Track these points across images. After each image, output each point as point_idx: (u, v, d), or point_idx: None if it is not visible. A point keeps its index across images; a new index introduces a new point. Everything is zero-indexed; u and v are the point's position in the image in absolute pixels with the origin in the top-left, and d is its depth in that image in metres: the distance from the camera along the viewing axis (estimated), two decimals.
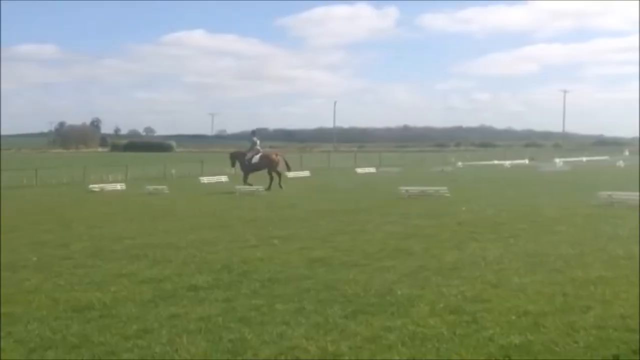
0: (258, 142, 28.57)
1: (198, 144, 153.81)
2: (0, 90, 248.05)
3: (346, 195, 22.95)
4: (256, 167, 27.51)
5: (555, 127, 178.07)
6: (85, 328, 6.53)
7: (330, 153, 70.11)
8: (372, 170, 45.14)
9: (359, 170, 44.03)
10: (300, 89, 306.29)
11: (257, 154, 27.67)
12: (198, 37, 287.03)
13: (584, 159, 64.64)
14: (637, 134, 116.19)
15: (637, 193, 17.66)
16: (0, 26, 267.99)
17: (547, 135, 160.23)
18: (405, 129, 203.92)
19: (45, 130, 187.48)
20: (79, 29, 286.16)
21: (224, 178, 35.58)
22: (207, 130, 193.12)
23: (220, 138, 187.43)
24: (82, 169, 37.90)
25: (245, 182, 26.93)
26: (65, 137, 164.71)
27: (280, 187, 26.27)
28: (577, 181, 28.55)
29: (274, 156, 27.60)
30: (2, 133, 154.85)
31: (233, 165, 28.83)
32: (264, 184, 25.92)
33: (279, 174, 27.22)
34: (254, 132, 29.91)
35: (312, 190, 26.56)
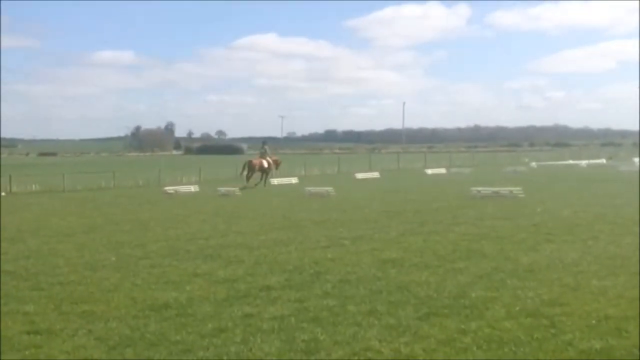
0: (267, 149, 35.41)
1: (268, 146, 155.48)
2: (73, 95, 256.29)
3: (416, 196, 22.74)
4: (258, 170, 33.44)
5: (633, 125, 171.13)
6: (163, 326, 6.68)
7: (399, 154, 69.62)
8: (442, 170, 44.54)
9: (429, 171, 43.52)
10: (369, 90, 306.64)
11: (264, 158, 34.08)
12: (269, 40, 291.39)
13: None
14: None
15: None
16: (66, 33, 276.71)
17: (625, 134, 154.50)
18: (476, 128, 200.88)
19: (122, 134, 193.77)
20: (154, 35, 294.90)
21: (294, 180, 35.85)
22: (277, 133, 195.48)
23: (290, 140, 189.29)
24: (157, 171, 38.93)
25: (247, 180, 32.38)
26: (141, 140, 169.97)
27: (264, 185, 32.45)
28: None
29: (254, 161, 33.84)
30: (83, 137, 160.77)
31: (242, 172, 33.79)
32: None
33: (265, 174, 33.42)
34: (264, 142, 37.69)
35: (382, 191, 26.44)
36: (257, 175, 32.81)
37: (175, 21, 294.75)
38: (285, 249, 11.49)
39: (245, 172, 32.80)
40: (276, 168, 35.53)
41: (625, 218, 14.24)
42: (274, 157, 35.88)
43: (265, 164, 33.70)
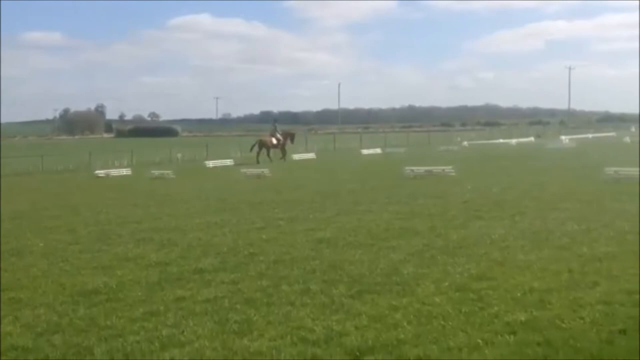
0: (277, 127, 38.14)
1: (203, 128, 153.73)
2: (0, 78, 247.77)
3: (351, 176, 22.93)
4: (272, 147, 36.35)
5: (560, 104, 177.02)
6: (92, 312, 6.56)
7: (335, 135, 69.93)
8: (378, 151, 45.05)
9: (365, 151, 43.94)
10: (305, 71, 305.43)
11: (273, 136, 36.72)
12: (204, 21, 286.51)
13: (590, 135, 64.42)
14: None
15: None
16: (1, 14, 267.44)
17: (552, 113, 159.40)
18: (411, 109, 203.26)
19: (51, 117, 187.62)
20: (84, 15, 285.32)
21: (229, 162, 35.61)
22: (212, 115, 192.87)
23: (226, 122, 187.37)
24: (88, 155, 37.94)
25: (257, 157, 34.72)
26: (70, 123, 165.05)
27: (284, 160, 35.08)
28: (583, 158, 28.45)
29: (264, 139, 36.56)
30: (7, 120, 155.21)
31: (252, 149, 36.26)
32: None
33: (281, 150, 36.22)
34: (275, 120, 42.80)
35: (318, 172, 26.56)
36: (272, 152, 35.99)
37: (107, 1, 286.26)
38: (219, 231, 11.41)
39: (257, 149, 35.39)
40: (291, 142, 38.00)
41: (550, 194, 14.74)
42: (288, 131, 39.29)
43: (275, 141, 36.38)
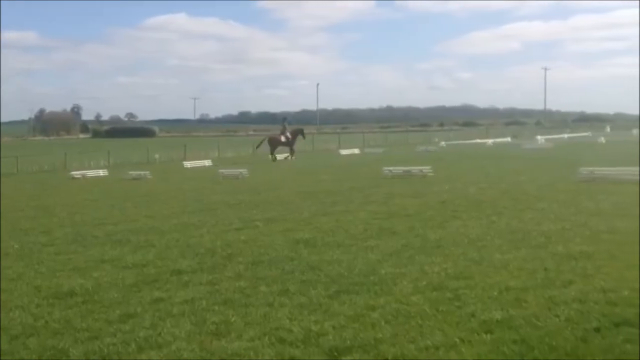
0: (287, 126, 39.35)
1: (181, 128, 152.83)
2: None
3: (330, 176, 22.94)
4: (283, 144, 37.95)
5: (537, 104, 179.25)
6: (68, 314, 6.49)
7: (314, 135, 69.92)
8: (356, 151, 45.14)
9: (343, 151, 44.00)
10: (283, 71, 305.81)
11: (282, 134, 38.33)
12: (180, 20, 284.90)
13: (566, 135, 65.11)
14: (619, 110, 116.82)
15: (618, 168, 17.85)
16: None
17: (529, 113, 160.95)
18: (389, 109, 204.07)
19: (26, 117, 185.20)
20: (60, 15, 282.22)
21: (207, 162, 35.49)
22: (190, 115, 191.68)
23: (203, 122, 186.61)
24: (63, 155, 37.56)
25: (272, 155, 36.60)
26: (46, 124, 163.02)
27: (293, 158, 36.88)
28: (559, 158, 28.74)
29: (274, 137, 38.36)
30: None
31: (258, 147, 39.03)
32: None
33: (289, 148, 37.92)
34: (284, 118, 43.17)
35: (296, 172, 26.55)
36: (281, 150, 37.62)
37: (83, 1, 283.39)
38: (197, 232, 11.36)
39: (269, 149, 37.05)
40: (303, 137, 39.67)
41: (527, 194, 14.87)
42: (298, 128, 40.58)
43: (283, 139, 37.89)
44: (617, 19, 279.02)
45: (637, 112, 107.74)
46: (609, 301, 6.07)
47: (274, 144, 37.54)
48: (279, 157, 36.59)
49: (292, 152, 37.92)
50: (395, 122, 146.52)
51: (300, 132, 39.48)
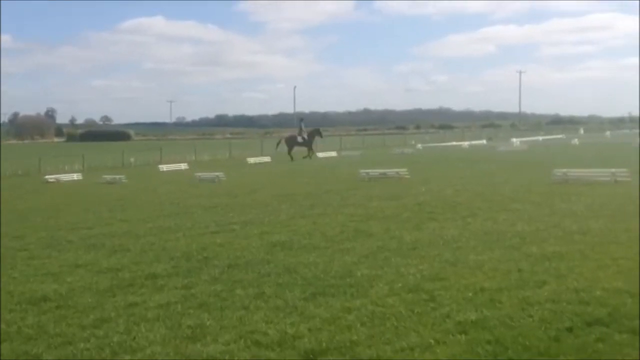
0: (303, 126, 40.12)
1: (157, 131, 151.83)
2: None
3: (307, 179, 22.94)
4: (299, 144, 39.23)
5: (512, 107, 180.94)
6: (41, 319, 6.43)
7: None
8: (333, 154, 45.20)
9: (320, 154, 44.01)
10: (261, 74, 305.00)
11: (299, 135, 39.41)
12: (156, 23, 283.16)
13: (540, 138, 65.87)
14: (592, 113, 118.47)
15: (592, 170, 18.09)
16: None
17: (504, 116, 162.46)
18: (366, 112, 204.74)
19: None
20: (33, 18, 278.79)
21: (183, 165, 35.30)
22: (166, 118, 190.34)
23: (180, 125, 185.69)
24: (37, 159, 37.12)
25: (289, 154, 37.84)
26: (20, 127, 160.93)
27: (310, 158, 37.56)
28: (534, 160, 29.04)
29: (289, 137, 39.63)
30: None
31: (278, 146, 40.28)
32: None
33: (308, 148, 38.95)
34: (301, 119, 42.71)
35: (273, 175, 26.52)
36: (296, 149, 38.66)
37: (55, 3, 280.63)
38: (172, 235, 11.29)
39: (287, 148, 38.33)
40: (320, 136, 41.05)
41: (502, 195, 14.99)
42: (314, 128, 41.28)
43: (300, 139, 39.11)
44: (591, 22, 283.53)
45: (610, 115, 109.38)
46: (582, 301, 6.15)
47: (291, 143, 38.77)
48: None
49: (310, 151, 38.97)
50: (372, 125, 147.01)
51: (318, 132, 40.65)
